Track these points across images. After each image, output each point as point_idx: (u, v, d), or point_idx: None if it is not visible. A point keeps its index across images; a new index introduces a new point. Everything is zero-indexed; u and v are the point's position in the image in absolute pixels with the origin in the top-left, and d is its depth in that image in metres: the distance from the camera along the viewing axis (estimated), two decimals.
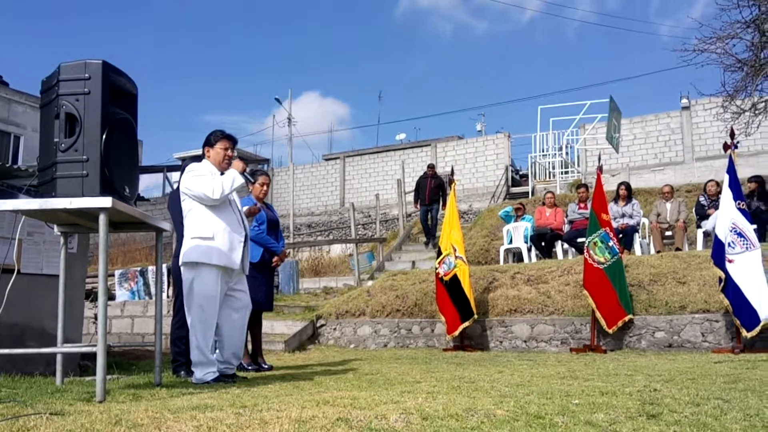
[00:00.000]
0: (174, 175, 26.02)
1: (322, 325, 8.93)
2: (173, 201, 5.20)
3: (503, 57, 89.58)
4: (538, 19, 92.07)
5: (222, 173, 4.26)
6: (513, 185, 21.45)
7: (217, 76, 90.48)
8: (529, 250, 10.27)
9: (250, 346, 5.86)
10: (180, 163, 25.69)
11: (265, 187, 5.78)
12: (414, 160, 23.53)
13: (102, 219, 3.24)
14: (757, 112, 8.30)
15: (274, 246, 5.84)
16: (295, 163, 26.02)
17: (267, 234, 5.79)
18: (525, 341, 7.44)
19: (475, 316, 7.48)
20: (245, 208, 4.75)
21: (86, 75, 3.34)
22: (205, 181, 4.14)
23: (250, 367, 5.58)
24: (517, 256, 10.68)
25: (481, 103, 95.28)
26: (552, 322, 7.36)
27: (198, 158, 4.58)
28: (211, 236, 4.13)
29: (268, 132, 59.01)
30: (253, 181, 5.23)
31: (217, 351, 4.39)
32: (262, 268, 5.74)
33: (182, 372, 4.87)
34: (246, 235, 4.39)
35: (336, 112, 74.23)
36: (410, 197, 20.58)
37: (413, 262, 12.64)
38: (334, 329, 8.80)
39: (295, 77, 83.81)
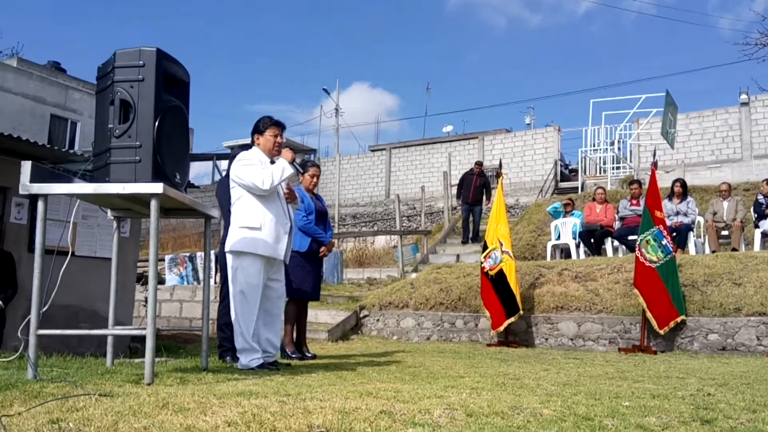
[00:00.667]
0: (223, 163, 26.48)
1: (365, 316, 8.95)
2: (221, 188, 5.26)
3: (556, 50, 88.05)
4: (594, 12, 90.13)
5: (272, 160, 4.29)
6: (562, 180, 21.08)
7: (267, 66, 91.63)
8: (578, 246, 10.06)
9: (295, 335, 5.90)
10: (229, 151, 26.13)
11: (315, 179, 5.81)
12: (461, 153, 23.34)
13: (153, 205, 3.29)
14: None
15: (322, 236, 5.86)
16: (342, 154, 26.15)
17: (315, 224, 5.81)
18: (571, 339, 7.29)
19: (521, 312, 7.37)
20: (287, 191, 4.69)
21: (141, 62, 3.38)
22: (255, 170, 4.15)
23: (294, 356, 5.63)
24: (565, 252, 10.48)
25: (531, 96, 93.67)
26: (600, 320, 7.20)
27: (246, 147, 4.61)
28: (258, 227, 4.17)
29: (316, 122, 59.23)
30: (302, 171, 5.25)
31: None
32: (309, 257, 5.77)
33: (228, 357, 4.93)
34: (291, 226, 4.42)
35: (385, 104, 74.26)
36: (455, 191, 20.51)
37: (458, 256, 12.55)
38: (377, 320, 8.81)
39: (345, 68, 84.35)
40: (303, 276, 5.62)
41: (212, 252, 8.24)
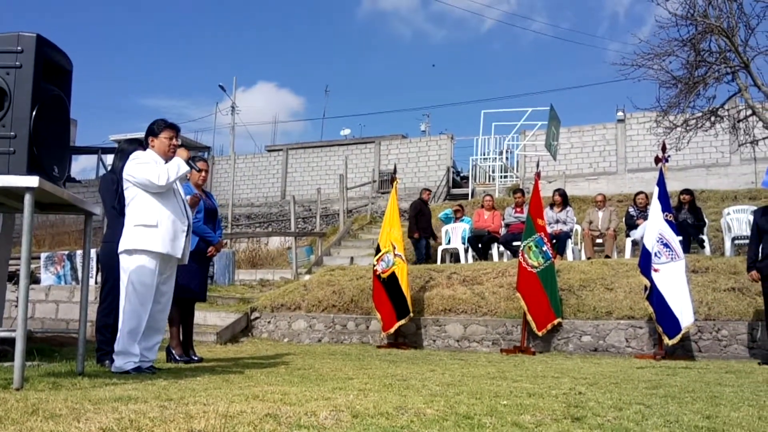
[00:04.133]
0: (108, 158, 25.16)
1: (256, 318, 8.82)
2: (105, 183, 5.05)
3: (456, 63, 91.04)
4: (496, 30, 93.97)
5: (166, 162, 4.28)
6: (454, 186, 21.72)
7: (163, 59, 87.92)
8: (466, 251, 10.42)
9: (182, 337, 5.71)
10: (115, 145, 24.84)
11: (203, 173, 5.66)
12: (357, 157, 23.51)
13: (27, 199, 3.10)
14: (688, 128, 8.67)
15: (211, 236, 5.72)
16: (238, 153, 25.62)
17: (204, 223, 5.66)
18: (458, 341, 7.54)
19: (411, 315, 7.53)
20: (187, 198, 4.69)
21: (19, 48, 3.19)
22: (150, 167, 4.15)
23: (180, 359, 5.45)
24: (455, 256, 10.83)
25: (428, 104, 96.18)
26: (485, 322, 7.49)
27: (134, 141, 4.51)
28: (155, 224, 4.14)
29: (211, 119, 57.47)
30: (197, 169, 5.18)
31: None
32: (196, 257, 5.60)
33: (107, 361, 4.70)
34: (189, 225, 4.42)
35: (290, 105, 73.50)
36: (352, 193, 20.66)
37: (352, 258, 12.64)
38: (269, 322, 8.70)
39: (250, 66, 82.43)
40: (189, 276, 5.46)
41: (93, 250, 7.84)
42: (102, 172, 25.70)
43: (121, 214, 4.83)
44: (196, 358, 5.62)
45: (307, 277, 10.62)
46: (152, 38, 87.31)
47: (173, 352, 5.50)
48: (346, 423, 2.32)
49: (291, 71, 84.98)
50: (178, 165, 4.21)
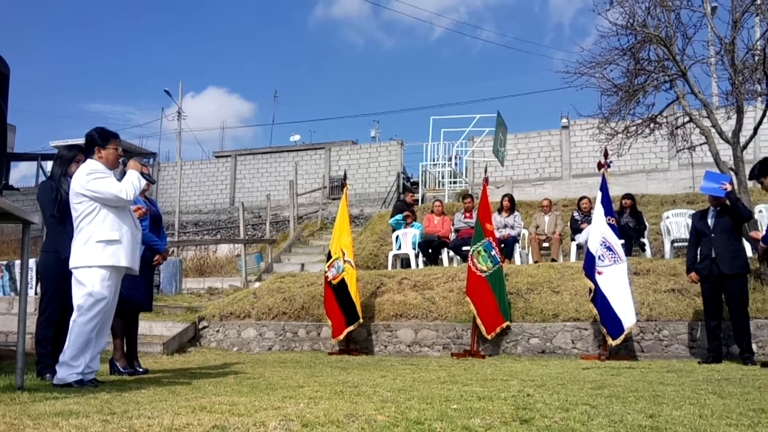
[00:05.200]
0: (48, 164, 24.30)
1: (204, 327, 8.65)
2: (44, 191, 4.89)
3: (407, 71, 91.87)
4: (445, 39, 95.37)
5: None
6: (404, 192, 21.83)
7: (108, 64, 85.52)
8: (417, 256, 10.48)
9: (126, 348, 5.56)
10: (56, 151, 24.06)
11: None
12: (308, 162, 23.40)
13: None
14: (629, 134, 8.93)
15: (158, 244, 5.60)
16: (185, 159, 25.16)
17: (149, 231, 5.53)
18: (409, 346, 7.57)
19: (361, 320, 7.52)
20: (134, 209, 4.65)
21: None
22: (112, 182, 4.18)
23: (125, 371, 5.30)
24: (405, 261, 10.87)
25: (378, 111, 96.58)
26: (435, 327, 7.55)
27: (74, 147, 4.47)
28: (119, 239, 4.18)
29: (156, 125, 56.28)
30: (154, 181, 5.17)
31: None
32: (142, 266, 5.44)
33: (48, 375, 4.55)
34: (141, 236, 4.50)
35: (240, 110, 72.63)
36: (303, 199, 20.52)
37: (302, 265, 12.55)
38: (217, 331, 8.55)
39: (200, 72, 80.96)
40: (134, 285, 5.33)
41: (32, 260, 7.56)
42: (42, 178, 24.84)
43: (61, 222, 4.70)
44: (141, 370, 5.48)
45: (257, 284, 10.49)
46: (96, 42, 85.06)
47: (117, 364, 5.35)
48: None
49: (242, 77, 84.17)
50: (137, 178, 4.26)
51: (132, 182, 4.21)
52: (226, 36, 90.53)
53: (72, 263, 4.15)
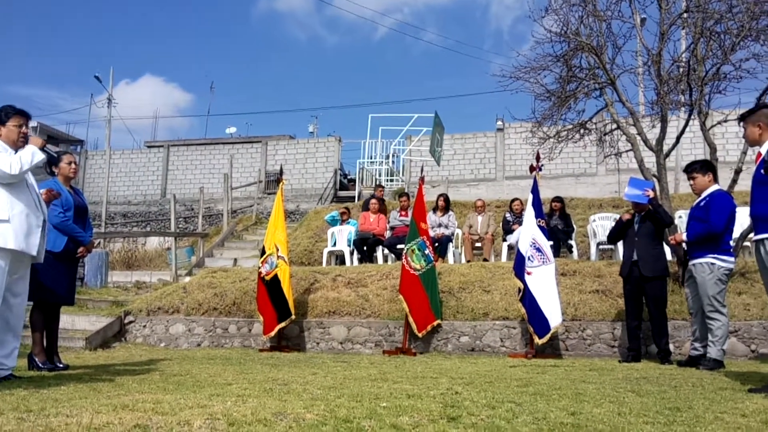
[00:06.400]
0: None
1: (130, 322, 8.39)
2: None
3: (347, 68, 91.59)
4: (388, 38, 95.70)
5: (16, 152, 3.96)
6: (341, 189, 21.82)
7: (36, 45, 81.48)
8: (352, 253, 10.48)
9: (45, 342, 5.32)
10: None
11: (73, 165, 5.30)
12: (243, 156, 23.06)
13: None
14: (560, 139, 9.18)
15: (82, 235, 5.37)
16: (114, 148, 24.30)
17: (74, 221, 5.31)
18: (341, 343, 7.56)
19: (293, 317, 7.46)
20: (43, 192, 4.36)
21: None
22: (0, 157, 3.82)
23: (44, 366, 5.08)
24: (340, 258, 10.86)
25: (317, 106, 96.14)
26: (368, 324, 7.56)
27: None
28: (7, 218, 3.84)
29: (93, 113, 53.71)
30: (56, 157, 4.86)
31: None
32: (64, 258, 5.25)
33: None
34: (44, 220, 4.14)
35: (176, 100, 70.57)
36: (238, 193, 20.17)
37: (235, 260, 12.34)
38: (144, 326, 8.31)
39: (135, 59, 78.07)
40: (56, 278, 5.11)
41: None
42: None
43: None
44: (61, 365, 5.26)
45: (187, 279, 10.25)
46: (25, 22, 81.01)
47: (36, 359, 5.12)
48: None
49: (179, 67, 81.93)
50: (33, 153, 3.93)
51: (22, 156, 3.88)
52: (164, 24, 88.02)
53: None
